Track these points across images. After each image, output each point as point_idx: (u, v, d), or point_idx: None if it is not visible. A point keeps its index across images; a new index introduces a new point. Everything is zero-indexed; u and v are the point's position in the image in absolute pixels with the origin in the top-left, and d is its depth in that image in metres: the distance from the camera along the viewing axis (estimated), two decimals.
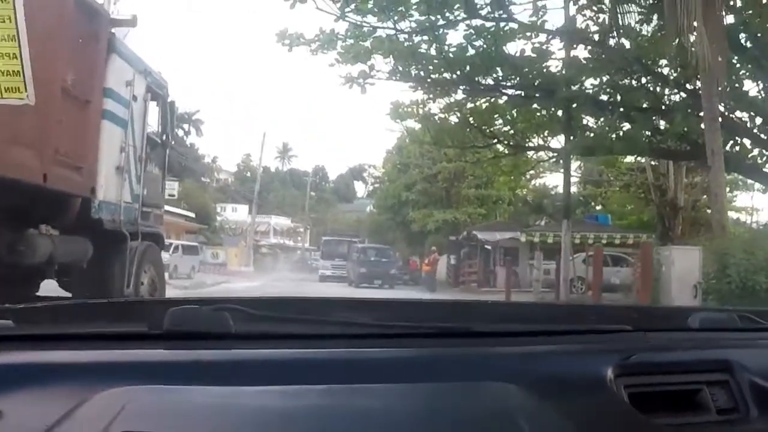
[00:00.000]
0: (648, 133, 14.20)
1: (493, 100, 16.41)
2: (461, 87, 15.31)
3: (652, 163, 24.58)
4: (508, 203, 35.33)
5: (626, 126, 14.51)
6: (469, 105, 16.89)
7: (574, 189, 38.67)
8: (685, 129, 13.05)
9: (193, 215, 42.01)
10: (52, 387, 0.90)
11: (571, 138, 15.13)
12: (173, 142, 8.70)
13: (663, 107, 14.33)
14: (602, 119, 14.83)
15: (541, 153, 19.13)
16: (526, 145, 17.23)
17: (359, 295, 21.52)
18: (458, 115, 17.02)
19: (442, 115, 17.19)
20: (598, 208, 32.78)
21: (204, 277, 28.11)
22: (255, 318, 1.14)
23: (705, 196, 29.67)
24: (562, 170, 25.59)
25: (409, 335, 1.18)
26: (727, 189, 30.71)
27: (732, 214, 31.17)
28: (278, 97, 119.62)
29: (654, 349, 1.22)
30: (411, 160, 34.63)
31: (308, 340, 1.13)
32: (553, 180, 35.33)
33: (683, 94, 14.01)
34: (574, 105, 14.63)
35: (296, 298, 1.90)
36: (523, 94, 15.34)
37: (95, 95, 6.27)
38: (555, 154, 17.92)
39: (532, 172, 24.15)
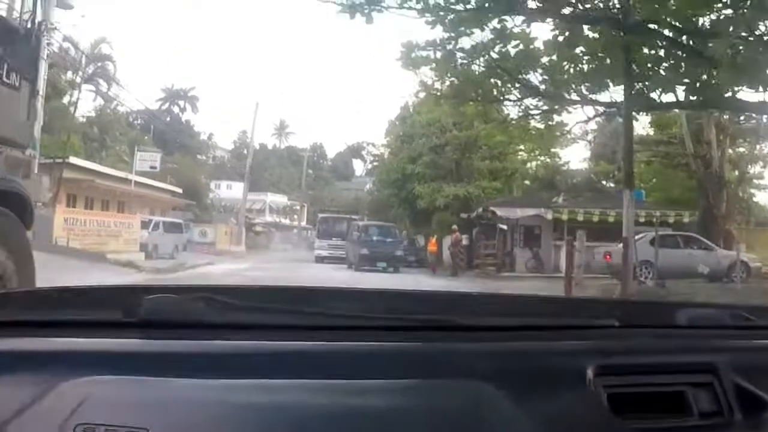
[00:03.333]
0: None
1: (527, 43, 13.04)
2: (494, 19, 11.88)
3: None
4: (522, 178, 32.19)
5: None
6: (499, 47, 13.46)
7: (584, 165, 36.02)
8: None
9: (179, 190, 38.91)
10: (18, 376, 0.87)
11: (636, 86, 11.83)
12: (48, 29, 5.28)
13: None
14: (676, 60, 11.44)
15: (579, 111, 15.79)
16: (570, 97, 13.77)
17: (359, 279, 18.74)
18: (485, 60, 13.59)
19: (465, 61, 13.74)
20: (611, 185, 29.82)
21: (187, 258, 24.90)
22: (230, 307, 1.11)
23: (752, 169, 26.83)
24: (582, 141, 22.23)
25: (388, 328, 1.14)
26: (760, 163, 27.98)
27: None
28: (276, 74, 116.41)
29: (637, 350, 1.15)
30: (416, 130, 31.16)
31: (280, 331, 1.10)
32: (563, 155, 32.65)
33: None
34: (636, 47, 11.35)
35: (277, 287, 1.67)
36: (571, 28, 11.94)
37: None
38: (605, 110, 14.48)
39: (562, 138, 20.73)
